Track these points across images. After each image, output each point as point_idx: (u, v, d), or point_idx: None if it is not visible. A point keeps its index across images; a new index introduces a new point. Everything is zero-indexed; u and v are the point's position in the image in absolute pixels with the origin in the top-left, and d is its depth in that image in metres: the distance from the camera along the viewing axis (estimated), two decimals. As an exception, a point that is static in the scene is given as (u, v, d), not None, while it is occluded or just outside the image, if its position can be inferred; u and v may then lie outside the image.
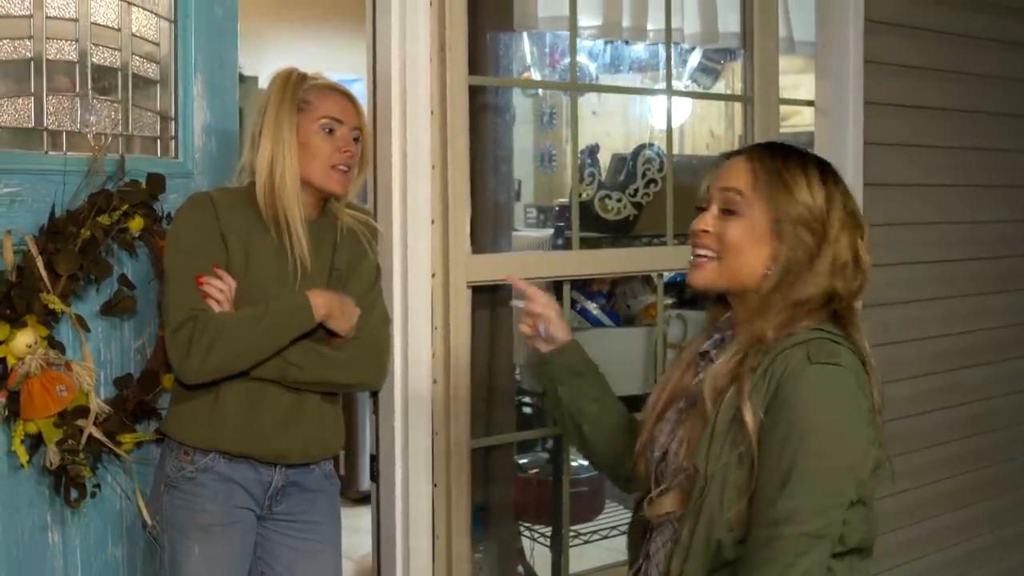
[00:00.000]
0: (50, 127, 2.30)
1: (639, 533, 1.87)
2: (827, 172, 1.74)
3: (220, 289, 2.17)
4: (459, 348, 2.61)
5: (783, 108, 4.26)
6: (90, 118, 2.34)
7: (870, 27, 3.23)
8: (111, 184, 2.29)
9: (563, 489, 2.99)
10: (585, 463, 3.11)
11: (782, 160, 1.74)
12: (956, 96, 3.55)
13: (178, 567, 2.20)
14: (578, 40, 3.18)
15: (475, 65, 2.72)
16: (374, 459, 2.65)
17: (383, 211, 2.55)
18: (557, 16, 3.04)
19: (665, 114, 3.16)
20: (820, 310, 1.69)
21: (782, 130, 4.40)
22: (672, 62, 3.22)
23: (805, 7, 3.43)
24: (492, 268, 2.71)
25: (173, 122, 2.45)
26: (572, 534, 3.09)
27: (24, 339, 2.16)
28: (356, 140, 2.27)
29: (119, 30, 2.37)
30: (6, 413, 2.19)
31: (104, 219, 2.25)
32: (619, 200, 3.31)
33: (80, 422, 2.23)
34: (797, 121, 4.26)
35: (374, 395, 2.62)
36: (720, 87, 4.45)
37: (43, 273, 2.17)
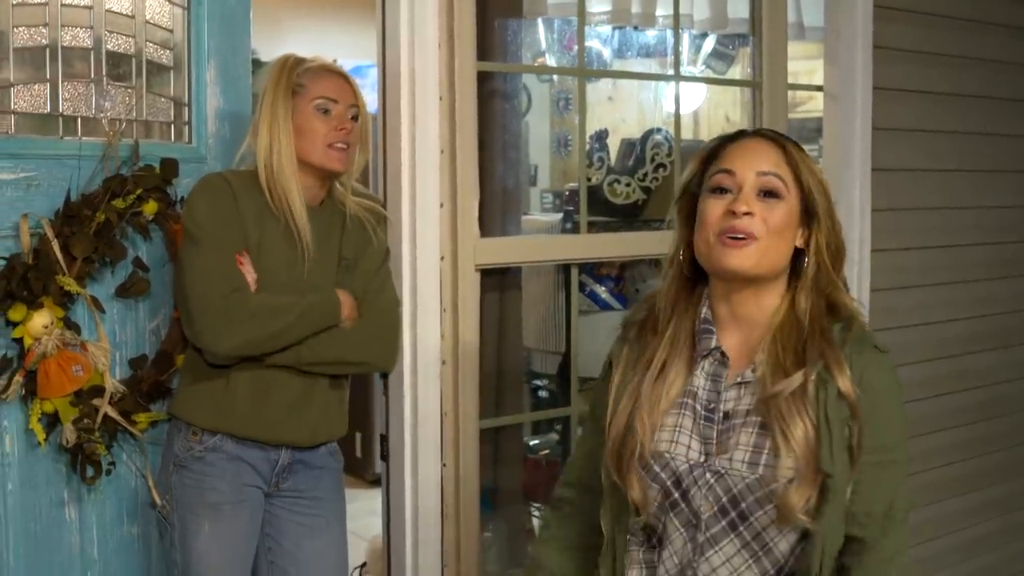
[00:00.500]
0: (65, 113, 2.34)
1: (624, 545, 1.81)
2: None
3: (251, 274, 2.22)
4: (467, 330, 2.65)
5: (797, 94, 4.30)
6: (105, 104, 2.38)
7: (879, 13, 3.22)
8: (125, 169, 2.33)
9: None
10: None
11: (799, 146, 1.75)
12: (964, 82, 3.54)
13: (188, 545, 2.24)
14: (593, 26, 3.21)
15: (486, 52, 2.75)
16: (384, 439, 2.69)
17: (392, 195, 2.59)
18: (566, 2, 3.06)
19: (679, 99, 3.18)
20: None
21: (796, 116, 4.42)
22: (685, 48, 3.24)
23: (815, -7, 3.45)
24: (500, 251, 2.75)
25: (186, 108, 2.48)
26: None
27: (41, 320, 2.20)
28: (355, 119, 2.29)
29: (133, 17, 2.41)
30: (23, 392, 2.23)
31: (119, 203, 2.28)
32: (628, 184, 3.33)
33: (96, 401, 2.27)
34: (812, 107, 4.26)
35: (384, 376, 2.66)
36: (735, 72, 4.46)
37: (59, 256, 2.21)
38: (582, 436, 2.01)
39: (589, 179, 3.26)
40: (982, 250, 3.67)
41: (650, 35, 3.96)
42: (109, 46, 2.38)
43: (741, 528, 1.67)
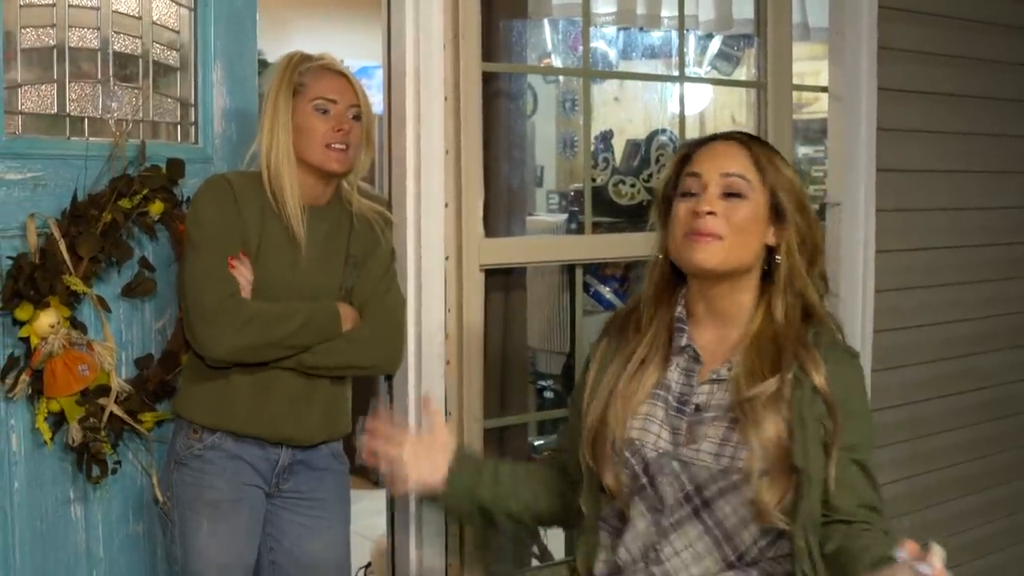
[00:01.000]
0: (72, 113, 2.35)
1: (596, 530, 1.91)
2: None
3: (245, 276, 2.22)
4: (472, 330, 2.65)
5: (803, 95, 4.30)
6: (112, 104, 2.39)
7: (884, 13, 3.22)
8: (132, 169, 2.34)
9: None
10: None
11: (769, 147, 1.83)
12: (969, 82, 3.54)
13: (188, 542, 2.25)
14: (598, 27, 3.21)
15: (491, 52, 2.75)
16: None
17: (397, 195, 2.59)
18: (571, 3, 3.07)
19: (686, 99, 3.18)
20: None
21: (802, 117, 4.42)
22: (691, 49, 3.24)
23: (820, -7, 3.45)
24: (504, 251, 2.75)
25: (193, 108, 2.49)
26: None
27: (47, 319, 2.21)
28: (356, 119, 2.29)
29: (140, 18, 2.42)
30: (30, 391, 2.25)
31: (125, 203, 2.30)
32: (633, 185, 3.34)
33: (102, 400, 2.28)
34: (818, 108, 4.26)
35: (388, 377, 2.67)
36: (741, 73, 4.46)
37: (65, 255, 2.22)
38: (562, 427, 2.14)
39: (594, 180, 3.27)
40: (989, 251, 3.67)
41: (656, 36, 3.97)
42: (116, 47, 2.39)
43: (704, 515, 1.75)
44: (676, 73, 3.17)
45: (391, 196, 2.60)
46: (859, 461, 1.74)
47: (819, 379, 1.72)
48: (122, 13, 2.40)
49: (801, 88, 3.45)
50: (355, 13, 5.70)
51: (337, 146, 2.26)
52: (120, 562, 2.41)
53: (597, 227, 3.07)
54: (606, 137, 3.52)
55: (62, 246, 2.22)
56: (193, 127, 2.50)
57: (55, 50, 2.32)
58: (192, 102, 2.49)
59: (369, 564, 3.73)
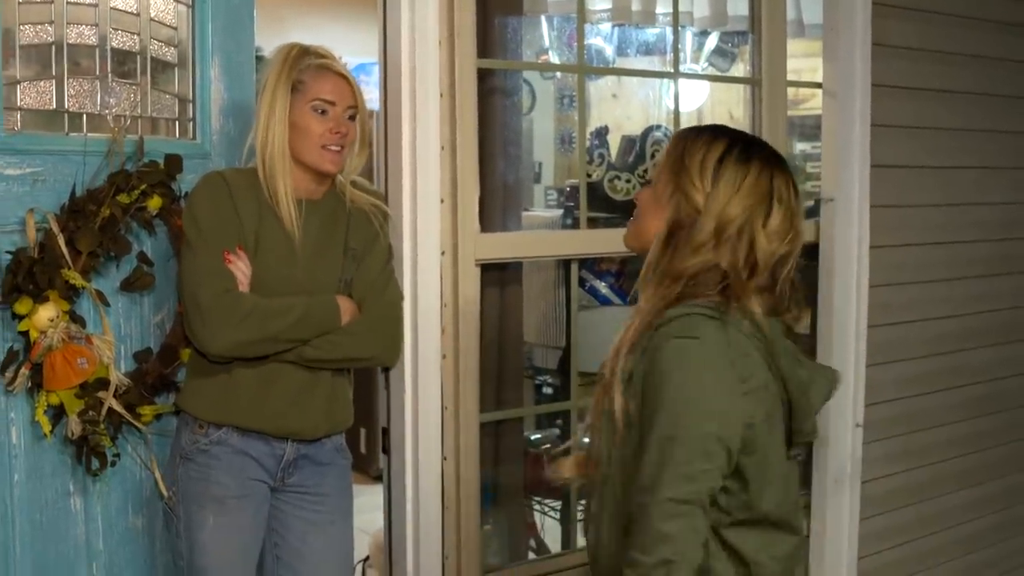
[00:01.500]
0: (71, 109, 2.36)
1: None
2: (736, 151, 1.79)
3: (242, 271, 2.24)
4: (468, 324, 2.68)
5: (800, 91, 4.31)
6: (110, 100, 2.40)
7: (877, 10, 3.22)
8: (130, 164, 2.35)
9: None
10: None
11: (694, 137, 1.82)
12: (963, 78, 3.55)
13: (193, 537, 2.27)
14: (594, 24, 3.23)
15: (487, 49, 2.77)
16: (385, 432, 2.71)
17: (394, 191, 2.61)
18: (566, 0, 3.09)
19: (683, 96, 3.20)
20: (711, 288, 1.76)
21: (798, 113, 4.43)
22: (688, 45, 3.25)
23: (814, -10, 3.46)
24: (500, 247, 2.78)
25: (191, 104, 2.51)
26: (581, 508, 3.15)
27: (46, 313, 2.22)
28: (353, 119, 2.31)
29: (138, 15, 2.43)
30: (29, 385, 2.26)
31: (123, 198, 2.31)
32: (628, 181, 3.36)
33: (100, 394, 2.30)
34: (815, 104, 4.28)
35: (386, 370, 2.69)
36: (737, 70, 4.48)
37: (64, 250, 2.24)
38: None
39: (589, 175, 3.29)
40: (981, 247, 3.68)
41: (652, 33, 3.98)
42: (114, 43, 2.40)
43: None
44: (671, 70, 3.19)
45: (387, 192, 2.62)
46: (648, 436, 1.76)
47: (636, 363, 1.76)
48: (120, 10, 2.41)
49: (795, 84, 3.46)
50: (352, 10, 5.71)
51: (333, 148, 2.27)
52: (119, 555, 2.43)
53: (592, 222, 3.08)
54: (601, 133, 3.54)
55: (61, 241, 2.24)
56: (191, 123, 2.52)
57: (53, 46, 2.33)
58: (190, 98, 2.51)
59: (367, 558, 3.75)
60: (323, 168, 2.29)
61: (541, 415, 3.58)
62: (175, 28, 2.49)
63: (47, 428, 2.27)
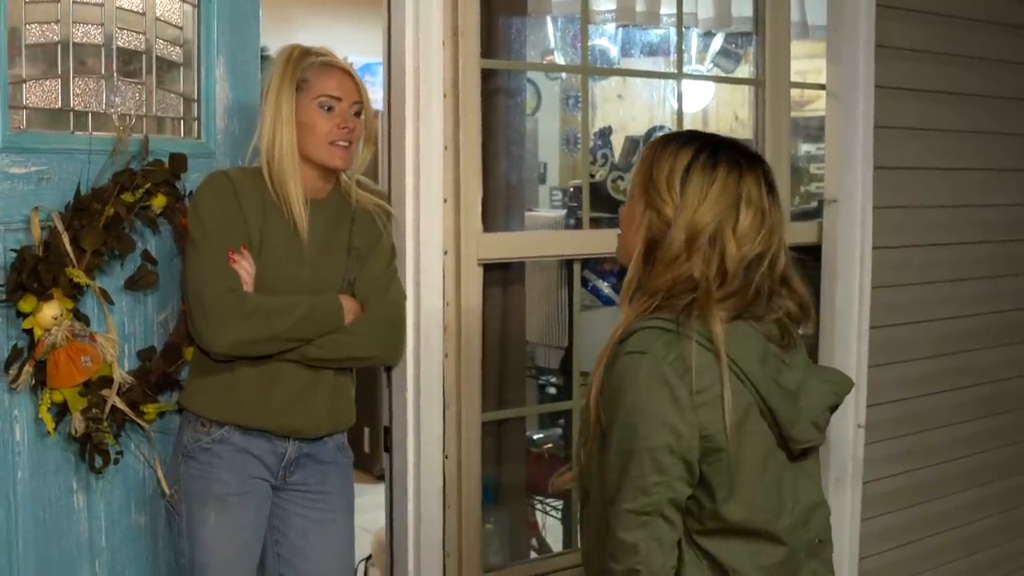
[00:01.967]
0: (76, 108, 2.37)
1: None
2: (702, 158, 1.76)
3: (247, 270, 2.25)
4: (470, 323, 2.68)
5: (805, 93, 4.31)
6: (115, 99, 2.42)
7: (881, 11, 3.22)
8: (135, 163, 2.36)
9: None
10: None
11: (661, 148, 1.79)
12: (966, 80, 3.54)
13: (195, 534, 2.28)
14: (600, 25, 3.23)
15: (491, 49, 2.78)
16: (387, 431, 2.72)
17: (397, 190, 2.61)
18: (571, 1, 3.09)
19: (688, 97, 3.20)
20: (684, 299, 1.73)
21: (803, 114, 4.43)
22: (693, 46, 3.25)
23: (819, -8, 3.46)
24: (502, 246, 2.78)
25: (196, 103, 2.52)
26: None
27: (50, 311, 2.23)
28: (358, 115, 2.31)
29: (143, 14, 2.44)
30: (33, 382, 2.27)
31: (128, 197, 2.32)
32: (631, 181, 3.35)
33: (104, 392, 2.31)
34: (820, 106, 4.28)
35: (388, 369, 2.70)
36: (743, 71, 4.48)
37: (69, 248, 2.25)
38: None
39: (592, 176, 3.30)
40: (985, 248, 3.68)
41: (657, 33, 3.99)
42: (120, 43, 2.41)
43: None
44: (675, 71, 3.19)
45: (391, 191, 2.62)
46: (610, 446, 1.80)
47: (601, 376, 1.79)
48: (126, 9, 2.42)
49: (800, 86, 3.46)
50: (357, 10, 5.72)
51: (341, 143, 2.28)
52: (122, 552, 2.44)
53: (595, 223, 3.09)
54: (604, 134, 3.54)
55: (65, 239, 2.25)
56: (196, 122, 2.53)
57: (59, 46, 2.34)
58: (195, 97, 2.52)
59: (370, 556, 3.76)
60: (332, 164, 2.29)
61: (543, 415, 3.58)
62: (180, 27, 2.50)
63: (51, 425, 2.28)
